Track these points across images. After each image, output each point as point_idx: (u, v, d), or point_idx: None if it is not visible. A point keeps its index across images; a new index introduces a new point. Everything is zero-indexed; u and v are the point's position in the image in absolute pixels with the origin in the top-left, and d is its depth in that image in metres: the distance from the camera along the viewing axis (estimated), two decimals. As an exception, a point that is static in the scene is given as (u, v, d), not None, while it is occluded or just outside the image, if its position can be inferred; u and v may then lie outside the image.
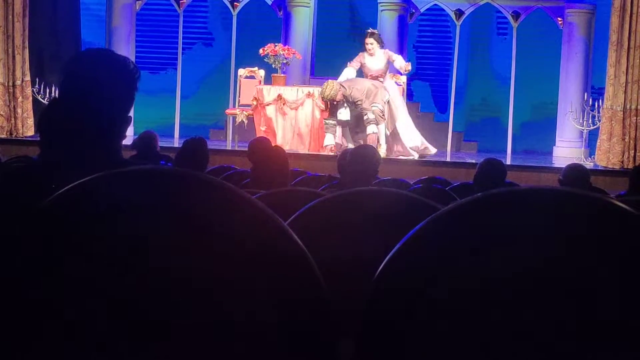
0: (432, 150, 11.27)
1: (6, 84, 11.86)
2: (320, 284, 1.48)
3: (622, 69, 11.32)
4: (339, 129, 11.01)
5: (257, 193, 3.49)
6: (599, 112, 11.73)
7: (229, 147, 11.71)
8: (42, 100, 11.85)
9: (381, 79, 10.95)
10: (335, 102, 10.71)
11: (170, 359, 1.48)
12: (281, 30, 13.55)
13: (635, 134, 11.34)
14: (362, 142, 10.23)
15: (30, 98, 12.04)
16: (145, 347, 1.47)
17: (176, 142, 12.15)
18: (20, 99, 11.91)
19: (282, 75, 11.81)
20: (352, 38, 14.50)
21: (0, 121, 11.86)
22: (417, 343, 1.43)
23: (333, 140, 10.92)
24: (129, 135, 7.57)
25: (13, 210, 1.99)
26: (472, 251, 1.41)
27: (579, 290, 1.39)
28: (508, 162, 11.49)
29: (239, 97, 12.24)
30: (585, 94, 12.28)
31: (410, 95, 13.11)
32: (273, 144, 6.61)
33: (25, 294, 1.46)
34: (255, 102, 11.42)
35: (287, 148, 9.97)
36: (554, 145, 13.15)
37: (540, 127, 14.01)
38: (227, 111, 12.34)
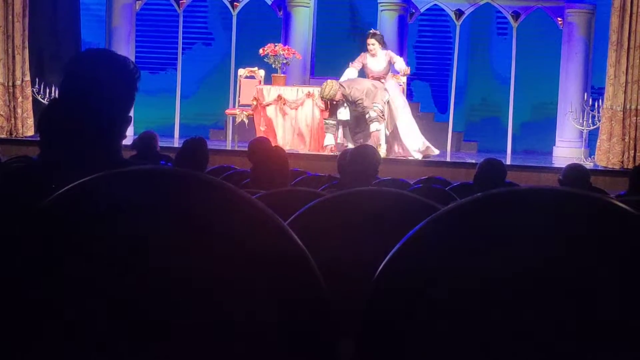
0: (435, 151, 11.27)
1: (6, 84, 11.86)
2: (320, 284, 1.48)
3: (622, 69, 11.32)
4: (340, 129, 11.01)
5: (257, 193, 3.49)
6: (598, 112, 11.73)
7: (228, 147, 11.71)
8: (42, 100, 11.85)
9: (382, 80, 10.94)
10: (334, 102, 10.71)
11: (170, 359, 1.48)
12: (281, 30, 13.55)
13: (635, 134, 11.35)
14: (362, 142, 10.23)
15: (30, 98, 12.04)
16: (145, 347, 1.47)
17: (176, 142, 12.15)
18: (20, 99, 11.91)
19: (282, 75, 11.81)
20: (352, 38, 14.50)
21: (0, 121, 11.87)
22: (417, 343, 1.43)
23: (333, 140, 10.92)
24: (129, 135, 7.56)
25: (13, 210, 1.99)
26: (472, 251, 1.41)
27: (579, 290, 1.39)
28: (508, 162, 11.49)
29: (239, 97, 12.25)
30: (585, 94, 12.28)
31: (410, 95, 13.10)
32: (273, 144, 6.61)
33: (25, 294, 1.46)
34: (255, 102, 11.42)
35: (287, 148, 9.97)
36: (554, 145, 13.16)
37: (540, 127, 14.01)
38: (227, 111, 12.34)
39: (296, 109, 11.35)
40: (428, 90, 14.94)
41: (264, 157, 5.09)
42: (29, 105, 12.00)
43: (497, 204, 1.43)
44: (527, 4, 13.21)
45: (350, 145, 10.22)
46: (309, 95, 11.34)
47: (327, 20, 14.53)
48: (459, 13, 13.27)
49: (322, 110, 11.17)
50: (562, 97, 12.98)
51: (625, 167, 11.02)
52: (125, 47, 12.87)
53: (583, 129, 12.13)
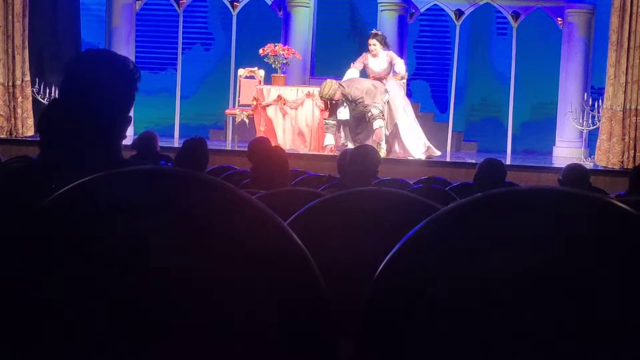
0: (437, 152, 11.27)
1: (6, 84, 11.86)
2: (320, 284, 1.48)
3: (621, 69, 11.32)
4: (342, 129, 11.01)
5: (257, 193, 3.49)
6: (598, 112, 11.73)
7: (228, 147, 11.71)
8: (42, 100, 11.86)
9: (384, 81, 10.93)
10: (334, 101, 10.71)
11: (170, 359, 1.48)
12: (281, 30, 13.55)
13: (635, 134, 11.35)
14: (362, 142, 10.22)
15: (30, 98, 12.04)
16: (145, 347, 1.47)
17: (176, 142, 12.15)
18: (20, 99, 11.91)
19: (282, 75, 11.81)
20: (352, 38, 14.51)
21: (0, 121, 11.87)
22: (417, 343, 1.43)
23: (333, 140, 10.92)
24: (129, 135, 7.56)
25: (13, 210, 1.99)
26: (472, 251, 1.41)
27: (579, 290, 1.39)
28: (508, 162, 11.49)
29: (239, 97, 12.25)
30: (585, 94, 12.28)
31: (410, 95, 13.08)
32: (273, 144, 6.61)
33: (25, 294, 1.46)
34: (255, 102, 11.42)
35: (287, 148, 9.98)
36: (554, 145, 13.16)
37: (540, 127, 14.01)
38: (227, 111, 12.35)
39: (296, 109, 11.35)
40: (428, 90, 14.94)
41: (264, 157, 5.09)
42: (28, 105, 12.00)
43: (497, 204, 1.43)
44: (527, 4, 13.21)
45: (350, 145, 10.22)
46: (308, 95, 11.34)
47: (327, 20, 14.52)
48: (459, 13, 13.27)
49: (322, 110, 11.17)
50: (562, 97, 12.98)
51: (625, 167, 11.02)
52: (125, 47, 12.87)
53: (583, 129, 12.13)
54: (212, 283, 1.46)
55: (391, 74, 11.13)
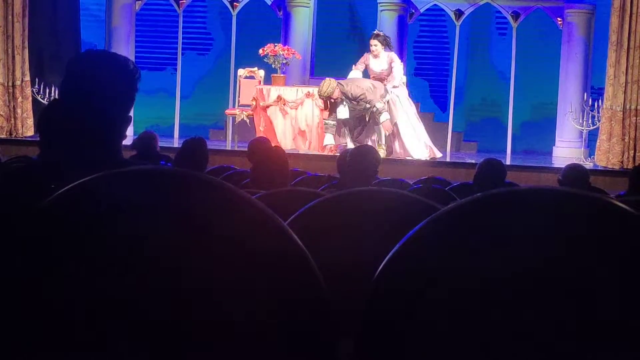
0: (438, 154, 11.27)
1: (6, 84, 11.86)
2: (320, 284, 1.48)
3: (621, 69, 11.32)
4: (342, 129, 11.01)
5: (257, 193, 3.49)
6: (598, 113, 11.73)
7: (228, 147, 11.71)
8: (42, 101, 11.86)
9: (385, 82, 10.91)
10: (333, 100, 10.70)
11: (170, 359, 1.48)
12: (281, 31, 13.55)
13: (635, 134, 11.35)
14: (362, 142, 10.22)
15: (30, 98, 12.04)
16: (145, 347, 1.47)
17: (176, 142, 12.15)
18: (20, 99, 11.91)
19: (282, 75, 11.81)
20: (352, 38, 14.51)
21: (0, 121, 11.87)
22: (417, 343, 1.43)
23: (333, 140, 10.92)
24: (129, 135, 7.56)
25: (13, 210, 1.99)
26: (472, 251, 1.41)
27: (579, 290, 1.39)
28: (508, 162, 11.49)
29: (239, 97, 12.25)
30: (585, 94, 12.28)
31: (409, 95, 13.10)
32: (273, 144, 6.61)
33: (25, 294, 1.46)
34: (254, 102, 11.43)
35: (287, 148, 9.97)
36: (554, 145, 13.16)
37: (540, 127, 14.01)
38: (227, 111, 12.35)
39: (296, 109, 11.35)
40: (428, 90, 14.94)
41: (264, 157, 5.09)
42: (28, 105, 12.00)
43: (497, 204, 1.43)
44: (526, 4, 13.21)
45: (350, 145, 10.22)
46: (308, 95, 11.34)
47: (326, 21, 14.52)
48: (459, 13, 13.27)
49: (321, 110, 11.17)
50: (561, 97, 12.98)
51: (625, 167, 11.02)
52: (125, 47, 12.87)
53: (583, 129, 12.13)
54: (212, 283, 1.46)
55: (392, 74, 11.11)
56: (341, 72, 11.35)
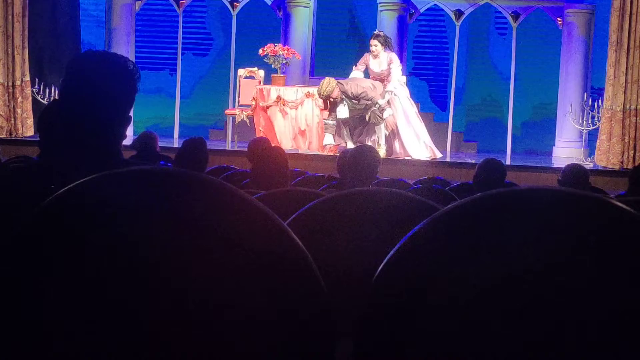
0: (438, 154, 11.28)
1: (6, 84, 11.86)
2: (320, 284, 1.48)
3: (621, 69, 11.32)
4: (342, 129, 11.01)
5: (257, 193, 3.49)
6: (598, 113, 11.73)
7: (228, 148, 11.71)
8: (42, 101, 11.86)
9: (385, 83, 10.90)
10: (332, 99, 10.69)
11: (170, 359, 1.48)
12: (281, 31, 13.55)
13: (635, 134, 11.35)
14: (362, 142, 10.22)
15: (30, 98, 12.04)
16: (145, 347, 1.47)
17: (176, 143, 12.16)
18: (19, 99, 11.92)
19: (282, 75, 11.81)
20: (352, 38, 14.51)
21: (0, 121, 11.87)
22: (417, 343, 1.43)
23: (332, 140, 10.92)
24: (129, 135, 7.57)
25: (13, 210, 1.99)
26: (472, 251, 1.41)
27: (579, 291, 1.39)
28: (508, 162, 11.50)
29: (239, 97, 12.25)
30: (585, 94, 12.29)
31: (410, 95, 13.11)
32: (273, 144, 6.61)
33: (25, 294, 1.46)
34: (254, 103, 11.43)
35: (287, 148, 9.97)
36: (554, 145, 13.16)
37: (540, 127, 14.02)
38: (227, 111, 12.35)
39: (296, 109, 11.35)
40: (427, 90, 14.94)
41: (264, 157, 5.09)
42: (28, 105, 12.00)
43: (497, 204, 1.43)
44: (526, 4, 13.21)
45: (350, 145, 10.22)
46: (308, 95, 11.34)
47: (326, 21, 14.52)
48: (459, 13, 13.27)
49: (321, 110, 11.17)
50: (561, 97, 12.99)
51: (625, 167, 11.03)
52: (124, 47, 12.87)
53: (583, 129, 12.13)
54: (212, 283, 1.46)
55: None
56: (341, 72, 11.35)
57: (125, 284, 1.46)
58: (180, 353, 1.47)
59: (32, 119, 11.90)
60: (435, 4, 13.39)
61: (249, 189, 4.53)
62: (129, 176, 1.49)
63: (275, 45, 11.79)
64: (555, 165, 11.41)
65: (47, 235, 1.47)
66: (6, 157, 7.31)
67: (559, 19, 13.04)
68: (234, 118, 11.92)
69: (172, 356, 1.48)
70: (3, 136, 11.74)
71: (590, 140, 12.33)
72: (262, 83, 11.88)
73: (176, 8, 13.62)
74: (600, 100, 11.73)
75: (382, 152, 10.19)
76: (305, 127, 11.36)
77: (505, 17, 13.52)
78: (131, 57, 12.13)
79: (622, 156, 11.33)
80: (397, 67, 10.94)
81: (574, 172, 5.82)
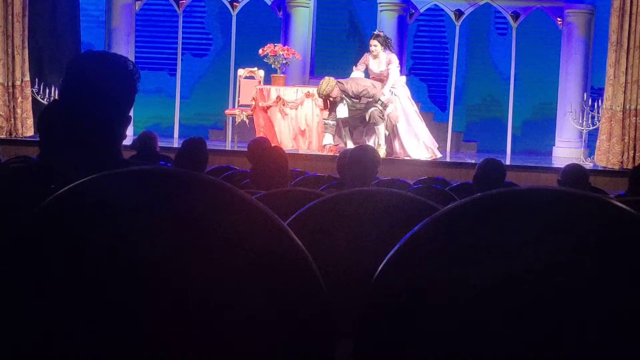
0: (438, 154, 11.28)
1: (6, 84, 11.86)
2: (320, 284, 1.48)
3: (621, 69, 11.32)
4: (342, 129, 11.01)
5: (257, 193, 3.49)
6: (598, 113, 11.73)
7: (228, 148, 11.71)
8: (42, 101, 11.86)
9: (385, 83, 10.90)
10: (332, 99, 10.69)
11: (170, 359, 1.48)
12: (281, 31, 13.55)
13: (635, 134, 11.35)
14: (362, 142, 10.22)
15: (30, 98, 12.04)
16: (145, 347, 1.47)
17: (176, 143, 12.16)
18: (19, 99, 11.92)
19: (282, 75, 11.81)
20: (352, 38, 14.51)
21: (0, 121, 11.87)
22: (417, 343, 1.43)
23: (332, 140, 10.92)
24: (129, 135, 7.56)
25: (13, 210, 1.99)
26: (472, 251, 1.41)
27: (579, 291, 1.39)
28: (508, 162, 11.50)
29: (239, 97, 12.25)
30: (585, 94, 12.29)
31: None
32: (273, 144, 6.61)
33: (25, 294, 1.46)
34: (254, 103, 11.43)
35: (287, 148, 9.97)
36: (554, 145, 13.16)
37: (539, 128, 14.02)
38: (227, 111, 12.35)
39: (296, 109, 11.35)
40: (427, 90, 14.94)
41: (264, 157, 5.09)
42: (28, 105, 12.00)
43: (497, 204, 1.43)
44: (526, 4, 13.21)
45: (350, 145, 10.22)
46: (308, 95, 11.34)
47: (326, 21, 14.52)
48: (459, 13, 13.27)
49: (321, 110, 11.17)
50: (561, 97, 12.99)
51: (625, 167, 11.03)
52: (124, 47, 12.87)
53: (582, 129, 12.13)
54: (212, 283, 1.46)
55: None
56: (341, 72, 11.35)
57: (125, 284, 1.46)
58: (180, 353, 1.47)
59: (32, 119, 11.90)
60: (435, 4, 13.40)
61: (249, 189, 4.53)
62: (129, 176, 1.49)
63: (275, 45, 11.79)
64: (555, 165, 11.41)
65: (47, 236, 1.47)
66: (6, 157, 7.31)
67: (558, 19, 13.04)
68: (233, 118, 11.92)
69: (172, 356, 1.47)
70: (3, 136, 11.74)
71: (590, 141, 12.33)
72: (262, 83, 11.88)
73: (176, 8, 13.62)
74: (600, 100, 11.73)
75: (382, 152, 10.19)
76: (305, 127, 11.35)
77: (505, 17, 13.52)
78: (131, 57, 12.13)
79: (622, 156, 11.33)
80: (395, 68, 10.93)
81: (574, 172, 5.82)
